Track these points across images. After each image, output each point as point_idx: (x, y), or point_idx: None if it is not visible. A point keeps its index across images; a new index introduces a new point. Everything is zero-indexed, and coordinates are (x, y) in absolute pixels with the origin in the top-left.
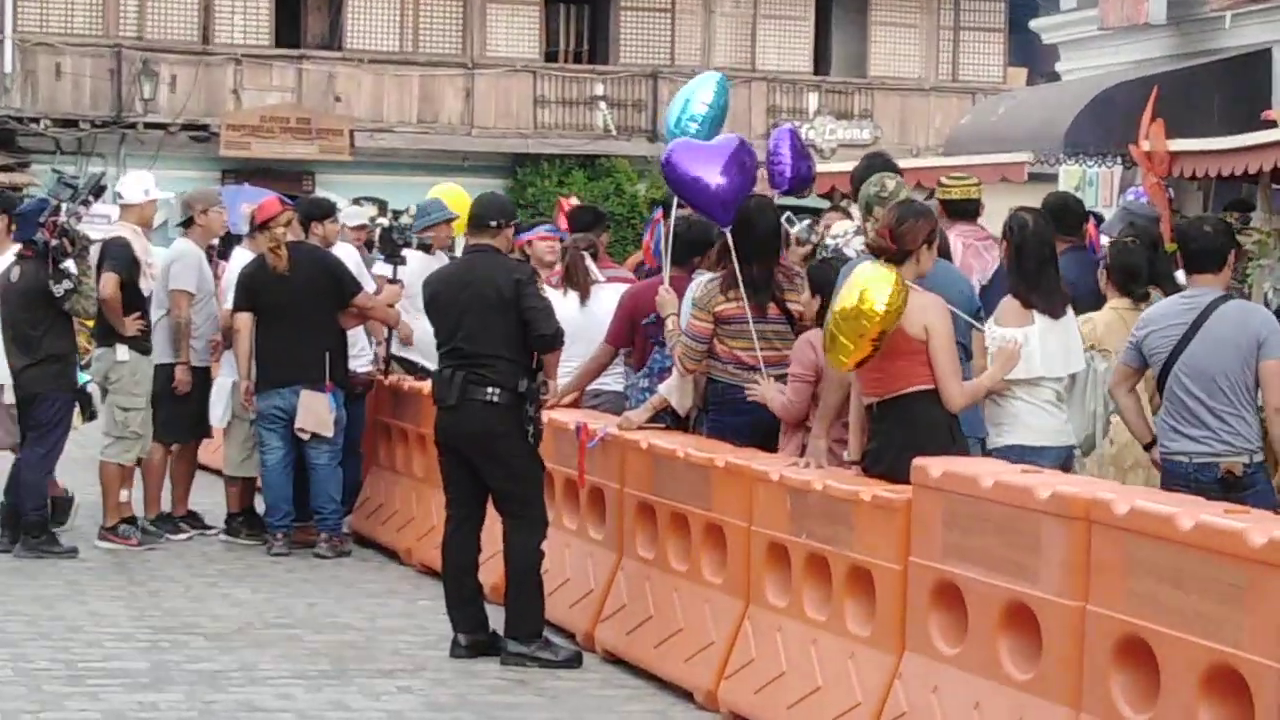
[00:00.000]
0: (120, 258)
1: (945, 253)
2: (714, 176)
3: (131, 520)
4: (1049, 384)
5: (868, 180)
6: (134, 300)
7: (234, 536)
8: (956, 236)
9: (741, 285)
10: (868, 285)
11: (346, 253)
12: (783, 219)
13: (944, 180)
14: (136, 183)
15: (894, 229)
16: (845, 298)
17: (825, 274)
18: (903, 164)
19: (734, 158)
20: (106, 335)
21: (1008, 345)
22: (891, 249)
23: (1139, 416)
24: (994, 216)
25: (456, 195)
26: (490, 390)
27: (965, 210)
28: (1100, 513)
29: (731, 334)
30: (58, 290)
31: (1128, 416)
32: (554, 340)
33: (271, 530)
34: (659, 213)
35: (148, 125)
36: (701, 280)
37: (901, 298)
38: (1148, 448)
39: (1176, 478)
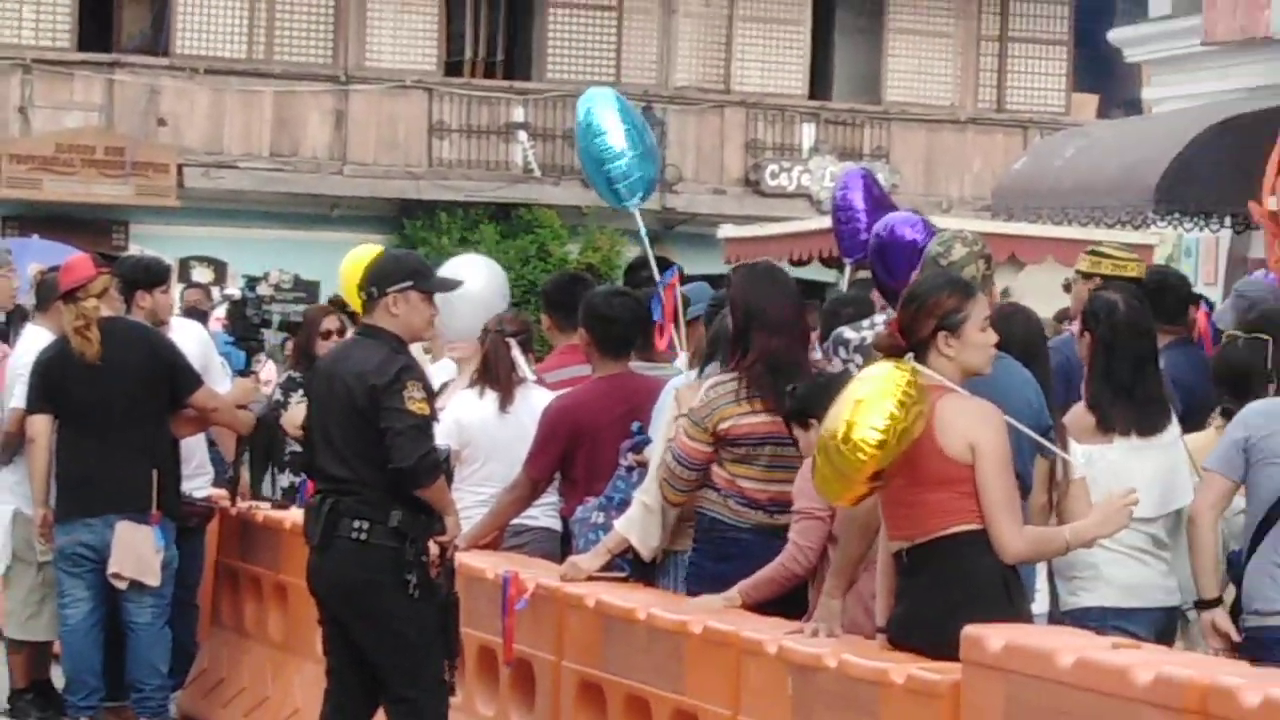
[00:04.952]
0: None
1: (1035, 346)
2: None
3: None
4: (1140, 527)
5: (936, 238)
6: None
7: None
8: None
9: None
10: (862, 402)
11: (187, 333)
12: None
13: (1097, 249)
14: None
15: (902, 312)
16: (833, 416)
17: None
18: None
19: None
20: None
21: (1115, 497)
22: (899, 344)
23: (1214, 559)
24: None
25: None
26: (357, 525)
27: None
28: (1221, 704)
29: (737, 458)
30: None
31: (1202, 558)
32: (415, 476)
33: (73, 713)
34: (673, 274)
35: None
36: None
37: (912, 419)
38: (1206, 605)
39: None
